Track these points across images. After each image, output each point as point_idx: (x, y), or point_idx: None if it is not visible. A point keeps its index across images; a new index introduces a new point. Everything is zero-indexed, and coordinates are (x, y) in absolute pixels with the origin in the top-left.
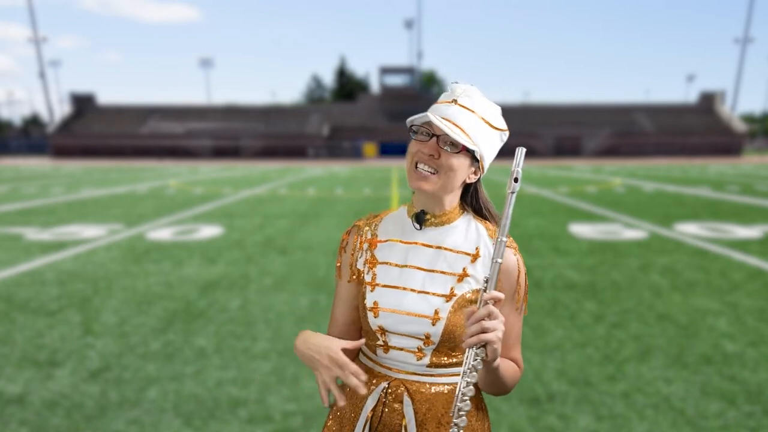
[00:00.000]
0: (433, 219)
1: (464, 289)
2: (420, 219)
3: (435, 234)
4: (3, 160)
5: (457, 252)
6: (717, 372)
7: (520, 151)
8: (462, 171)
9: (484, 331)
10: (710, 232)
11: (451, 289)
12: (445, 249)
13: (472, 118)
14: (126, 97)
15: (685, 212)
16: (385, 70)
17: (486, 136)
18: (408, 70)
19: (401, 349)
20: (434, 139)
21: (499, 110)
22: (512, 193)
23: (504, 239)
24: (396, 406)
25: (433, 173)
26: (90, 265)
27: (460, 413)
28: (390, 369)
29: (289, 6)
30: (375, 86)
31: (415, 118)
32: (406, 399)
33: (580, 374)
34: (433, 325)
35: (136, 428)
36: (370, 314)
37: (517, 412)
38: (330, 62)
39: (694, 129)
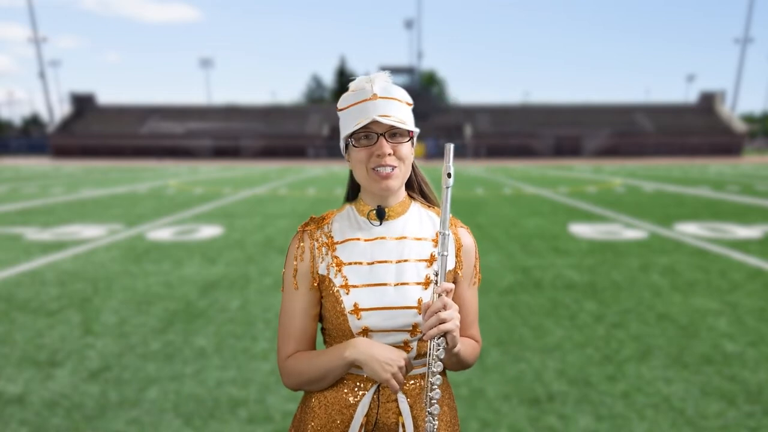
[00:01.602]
0: (389, 212)
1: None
2: (381, 214)
3: (394, 226)
4: (3, 160)
5: (420, 239)
6: (717, 372)
7: (449, 148)
8: (411, 156)
9: (441, 322)
10: (710, 232)
11: (426, 276)
12: (408, 239)
13: (398, 106)
14: (126, 97)
15: (685, 212)
16: (385, 70)
17: (411, 116)
18: (408, 70)
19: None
20: (381, 138)
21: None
22: (447, 188)
23: (447, 233)
24: (390, 405)
25: (393, 169)
26: (90, 265)
27: (432, 401)
28: None
29: (289, 6)
30: None
31: (358, 126)
32: (401, 395)
33: (580, 374)
34: (420, 313)
35: (136, 428)
36: (351, 317)
37: (517, 412)
38: (330, 62)
39: (694, 129)
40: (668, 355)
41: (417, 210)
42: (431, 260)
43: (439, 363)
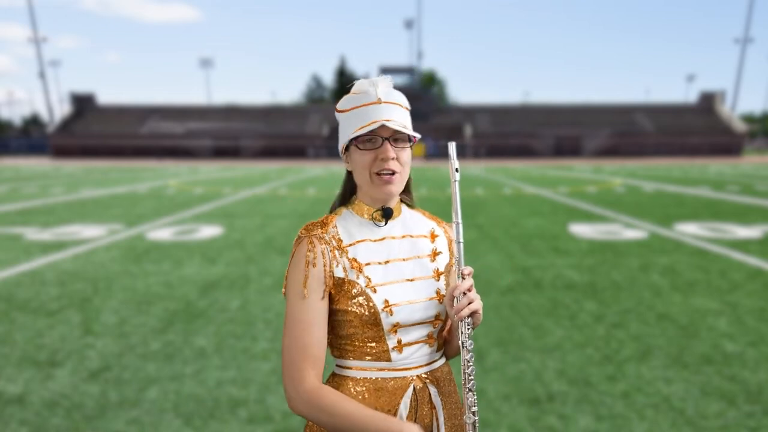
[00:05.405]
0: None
1: (442, 265)
2: (388, 215)
3: (396, 226)
4: (3, 160)
5: (419, 236)
6: (717, 372)
7: (452, 146)
8: (410, 161)
9: (470, 301)
10: (710, 232)
11: (435, 269)
12: (412, 236)
13: (401, 111)
14: (126, 97)
15: (685, 212)
16: (385, 70)
17: (410, 121)
18: (408, 70)
19: (415, 343)
20: (386, 142)
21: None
22: (455, 181)
23: (460, 221)
24: (426, 401)
25: (394, 174)
26: (90, 265)
27: (470, 378)
28: (410, 369)
29: (289, 6)
30: None
31: (366, 130)
32: (433, 389)
33: (580, 374)
34: (440, 302)
35: (136, 428)
36: (383, 314)
37: (517, 412)
38: (330, 62)
39: (694, 129)
40: (668, 355)
41: (407, 210)
42: (434, 255)
43: (471, 341)
